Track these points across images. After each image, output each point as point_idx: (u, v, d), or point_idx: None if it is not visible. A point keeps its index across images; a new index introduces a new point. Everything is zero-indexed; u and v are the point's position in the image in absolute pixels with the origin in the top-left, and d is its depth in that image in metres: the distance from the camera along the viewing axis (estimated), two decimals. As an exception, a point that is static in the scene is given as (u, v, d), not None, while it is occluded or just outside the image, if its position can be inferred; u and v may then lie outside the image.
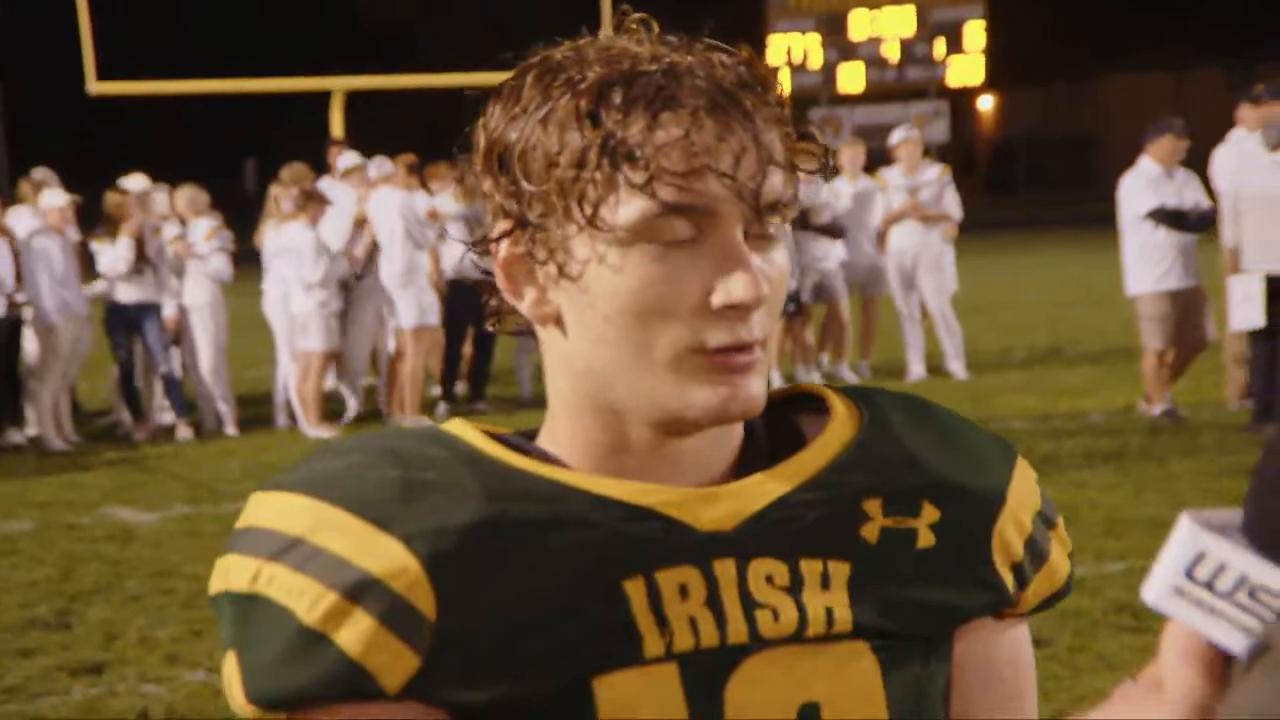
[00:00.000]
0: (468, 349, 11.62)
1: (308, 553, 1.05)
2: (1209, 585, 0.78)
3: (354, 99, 17.04)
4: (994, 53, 35.56)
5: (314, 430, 10.69)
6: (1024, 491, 1.20)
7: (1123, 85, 49.97)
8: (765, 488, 1.12)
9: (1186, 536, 0.79)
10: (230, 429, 11.06)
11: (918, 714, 1.14)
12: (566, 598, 1.05)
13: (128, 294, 10.71)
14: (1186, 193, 9.28)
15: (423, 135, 16.33)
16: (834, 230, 11.74)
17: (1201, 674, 0.78)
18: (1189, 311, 9.44)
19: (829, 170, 1.14)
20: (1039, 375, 12.02)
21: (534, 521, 1.06)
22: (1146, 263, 9.35)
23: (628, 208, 1.06)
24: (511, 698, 1.04)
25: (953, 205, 11.96)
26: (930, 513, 1.15)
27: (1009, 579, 1.18)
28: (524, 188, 1.09)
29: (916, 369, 11.98)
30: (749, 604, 1.08)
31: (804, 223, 11.39)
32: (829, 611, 1.10)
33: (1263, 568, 0.77)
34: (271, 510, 1.08)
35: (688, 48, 1.10)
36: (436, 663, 1.03)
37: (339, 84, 16.93)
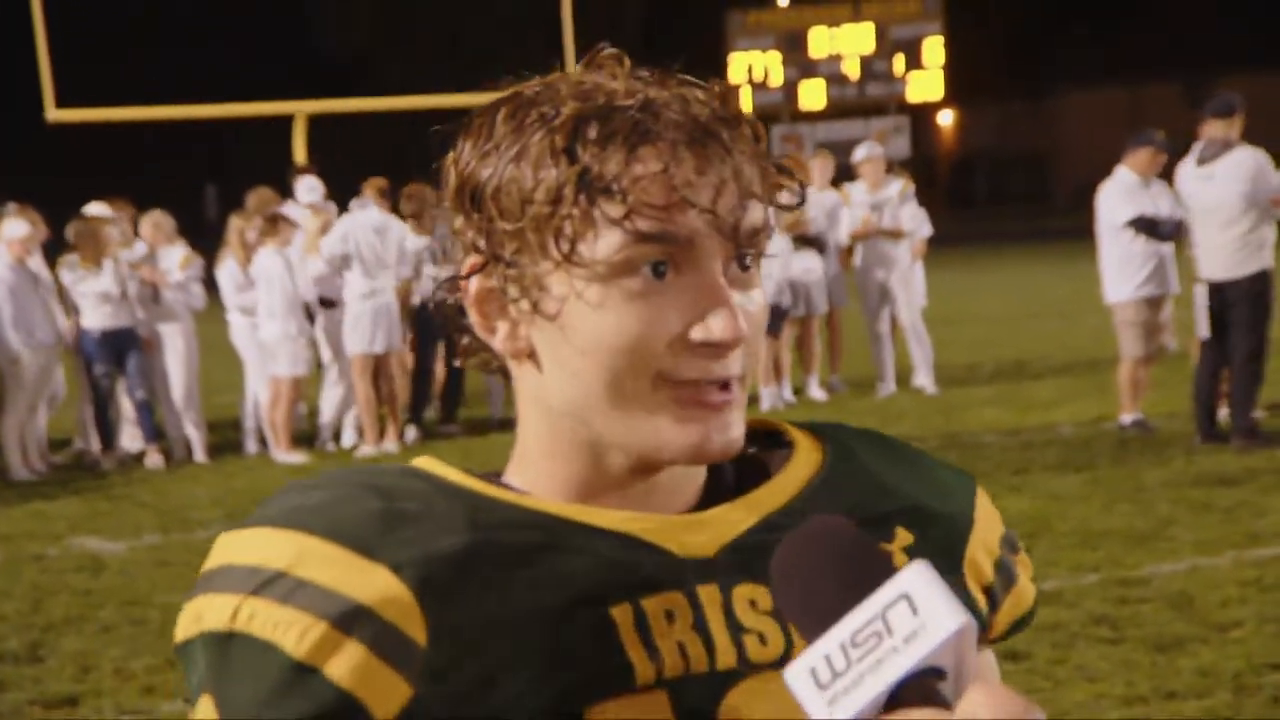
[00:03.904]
0: (439, 370, 11.58)
1: (292, 585, 1.02)
2: (837, 675, 0.89)
3: (316, 123, 16.99)
4: (953, 68, 35.82)
5: (285, 456, 10.63)
6: (989, 517, 1.21)
7: (1079, 101, 50.41)
8: (744, 514, 1.11)
9: (793, 677, 0.90)
10: (200, 456, 10.98)
11: None
12: (554, 625, 1.03)
13: (109, 320, 10.63)
14: (1161, 202, 9.41)
15: (386, 158, 16.31)
16: (818, 243, 11.78)
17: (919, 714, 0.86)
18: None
19: (803, 202, 1.14)
20: (1007, 388, 12.07)
21: (520, 549, 1.05)
22: (1125, 271, 9.48)
23: (606, 242, 1.05)
24: None
25: (921, 221, 12.01)
26: (904, 536, 1.15)
27: (982, 600, 1.19)
28: (497, 225, 1.08)
29: (887, 385, 12.01)
30: (735, 629, 1.08)
31: (794, 236, 11.43)
32: None
33: (840, 628, 0.89)
34: (246, 546, 1.06)
35: (661, 82, 1.09)
36: (428, 692, 1.01)
37: (301, 108, 16.88)
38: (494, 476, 1.15)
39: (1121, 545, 6.72)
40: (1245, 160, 8.88)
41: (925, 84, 35.17)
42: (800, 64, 34.94)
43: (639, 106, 1.06)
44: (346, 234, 10.67)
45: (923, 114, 43.09)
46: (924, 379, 12.02)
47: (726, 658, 1.07)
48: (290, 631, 1.01)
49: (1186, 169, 9.07)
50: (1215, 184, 8.87)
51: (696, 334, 1.05)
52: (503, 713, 1.02)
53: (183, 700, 5.54)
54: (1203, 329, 8.92)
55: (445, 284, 1.14)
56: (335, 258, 10.64)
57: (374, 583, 1.02)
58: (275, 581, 1.03)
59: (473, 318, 1.12)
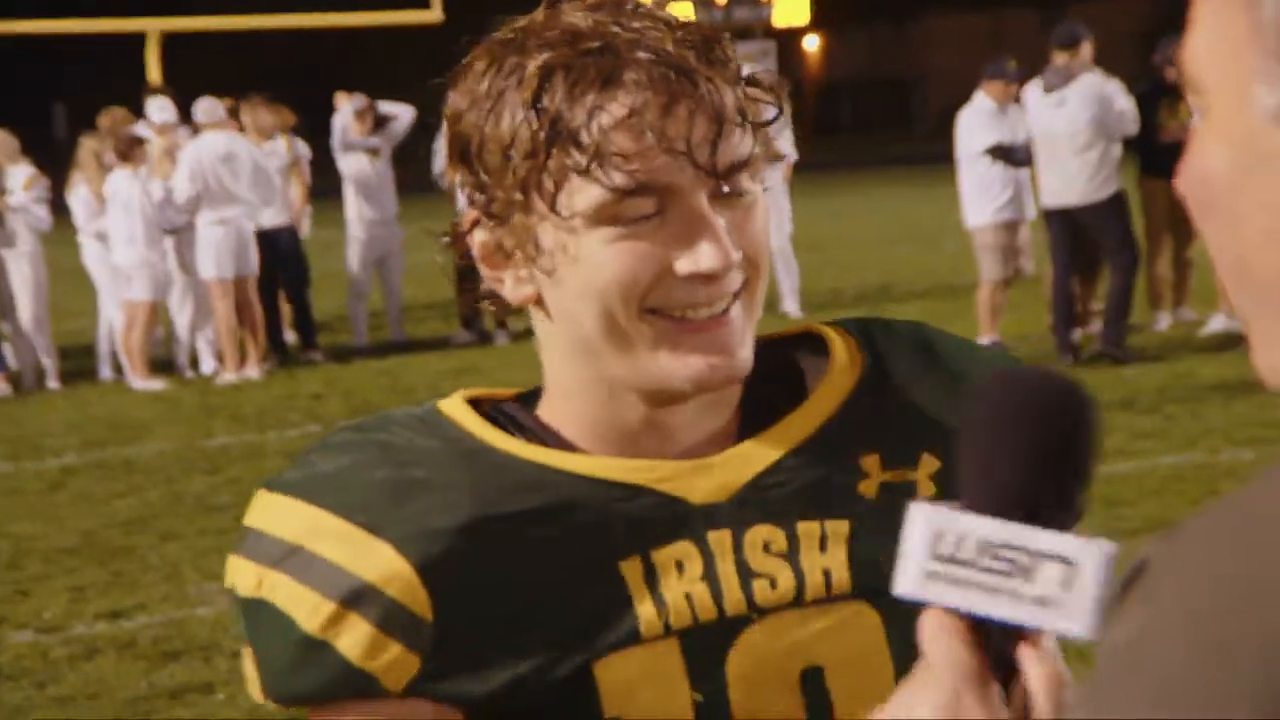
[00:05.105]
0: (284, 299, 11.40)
1: (306, 560, 1.07)
2: (953, 559, 0.81)
3: (171, 41, 16.53)
4: (819, -7, 35.89)
5: (141, 383, 10.43)
6: None
7: (942, 27, 50.93)
8: (759, 454, 1.12)
9: (921, 519, 0.83)
10: (53, 382, 10.73)
11: None
12: (562, 586, 1.07)
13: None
14: (1019, 129, 9.64)
15: (243, 78, 15.94)
16: None
17: (964, 644, 0.82)
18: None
19: (783, 113, 1.13)
20: (870, 312, 12.14)
21: (526, 514, 1.07)
22: (983, 196, 9.70)
23: (584, 195, 1.05)
24: (515, 689, 1.06)
25: (788, 145, 12.08)
26: (929, 463, 1.15)
27: None
28: (485, 181, 1.09)
29: (750, 309, 12.13)
30: (746, 574, 1.09)
31: None
32: (826, 574, 1.11)
33: (997, 526, 0.81)
34: (270, 514, 1.10)
35: (632, 14, 1.08)
36: (437, 662, 1.06)
37: (153, 25, 16.41)
38: (525, 410, 1.16)
39: (976, 465, 6.89)
40: (1093, 86, 9.11)
41: (791, 8, 35.23)
42: (667, -14, 34.75)
43: (604, 48, 1.06)
44: (194, 171, 10.40)
45: (789, 39, 43.19)
46: (790, 304, 12.16)
47: (734, 604, 1.09)
48: (302, 607, 1.06)
49: (1034, 96, 9.26)
50: (1066, 111, 9.08)
51: (684, 266, 1.06)
52: (512, 675, 1.06)
53: (31, 630, 5.46)
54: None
55: (450, 237, 1.15)
56: (190, 200, 10.39)
57: (379, 560, 1.06)
58: (292, 555, 1.07)
59: (481, 270, 1.13)
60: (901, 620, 1.11)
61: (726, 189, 1.07)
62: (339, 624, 1.05)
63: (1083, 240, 9.26)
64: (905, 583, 0.83)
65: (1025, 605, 0.80)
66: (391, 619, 1.05)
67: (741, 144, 1.08)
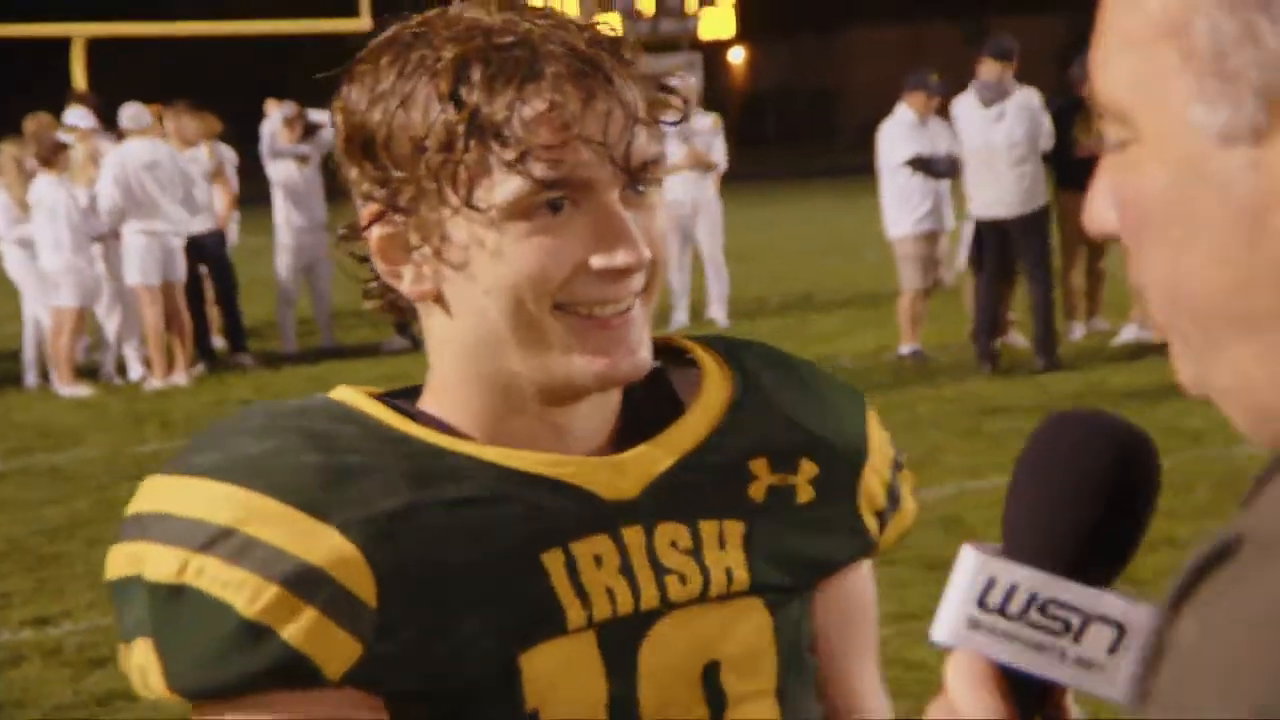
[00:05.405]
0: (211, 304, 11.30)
1: (241, 544, 1.02)
2: (1002, 611, 0.77)
3: (99, 46, 16.34)
4: (744, 6, 36.08)
5: (68, 389, 10.29)
6: (880, 441, 1.25)
7: (864, 39, 51.34)
8: (661, 453, 1.13)
9: (975, 566, 0.78)
10: (-25, 390, 10.57)
11: (799, 661, 1.18)
12: (492, 576, 1.06)
13: None
14: (939, 141, 9.75)
15: (172, 84, 15.78)
16: None
17: (998, 697, 0.78)
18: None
19: (687, 119, 1.14)
20: (794, 321, 12.35)
21: (456, 501, 1.06)
22: (904, 207, 9.82)
23: (504, 187, 1.05)
24: (445, 679, 1.05)
25: (720, 154, 12.14)
26: (808, 468, 1.18)
27: (874, 525, 1.23)
28: (392, 174, 1.07)
29: (680, 315, 12.18)
30: (659, 569, 1.11)
31: None
32: (728, 572, 1.13)
33: (1050, 582, 0.77)
34: (188, 497, 1.05)
35: (539, 14, 1.08)
36: (377, 648, 1.03)
37: (78, 30, 16.21)
38: (411, 405, 1.14)
39: (898, 470, 6.97)
40: (1028, 101, 9.31)
41: (717, 21, 35.39)
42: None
43: (519, 43, 1.05)
44: (118, 178, 10.26)
45: (714, 52, 43.36)
46: (717, 311, 12.22)
47: (649, 598, 1.10)
48: (242, 592, 1.01)
49: (969, 109, 9.35)
50: (1004, 125, 9.21)
51: (598, 262, 1.06)
52: (447, 663, 1.04)
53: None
54: (962, 262, 9.31)
55: (346, 232, 1.13)
56: (115, 207, 10.25)
57: (324, 544, 1.02)
58: (224, 539, 1.02)
59: (377, 265, 1.11)
60: (785, 619, 1.16)
61: (639, 187, 1.08)
62: (283, 609, 1.01)
63: (1006, 251, 9.38)
64: (944, 631, 0.78)
65: (1068, 666, 0.77)
66: (338, 604, 1.02)
67: (651, 143, 1.09)
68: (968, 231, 9.40)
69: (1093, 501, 0.77)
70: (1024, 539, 0.78)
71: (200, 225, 10.92)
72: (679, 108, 1.12)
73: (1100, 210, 0.73)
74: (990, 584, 0.77)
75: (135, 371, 10.88)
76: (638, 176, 1.08)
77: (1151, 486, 0.78)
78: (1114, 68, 0.70)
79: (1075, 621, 0.77)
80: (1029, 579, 0.77)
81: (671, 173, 11.93)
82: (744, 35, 39.76)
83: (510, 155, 1.04)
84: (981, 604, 0.77)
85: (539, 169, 1.04)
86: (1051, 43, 37.56)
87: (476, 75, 1.04)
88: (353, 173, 1.10)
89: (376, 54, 1.08)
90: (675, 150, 11.94)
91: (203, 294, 11.13)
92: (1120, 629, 0.76)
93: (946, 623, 0.78)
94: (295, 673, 1.02)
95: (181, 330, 10.64)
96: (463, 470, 1.08)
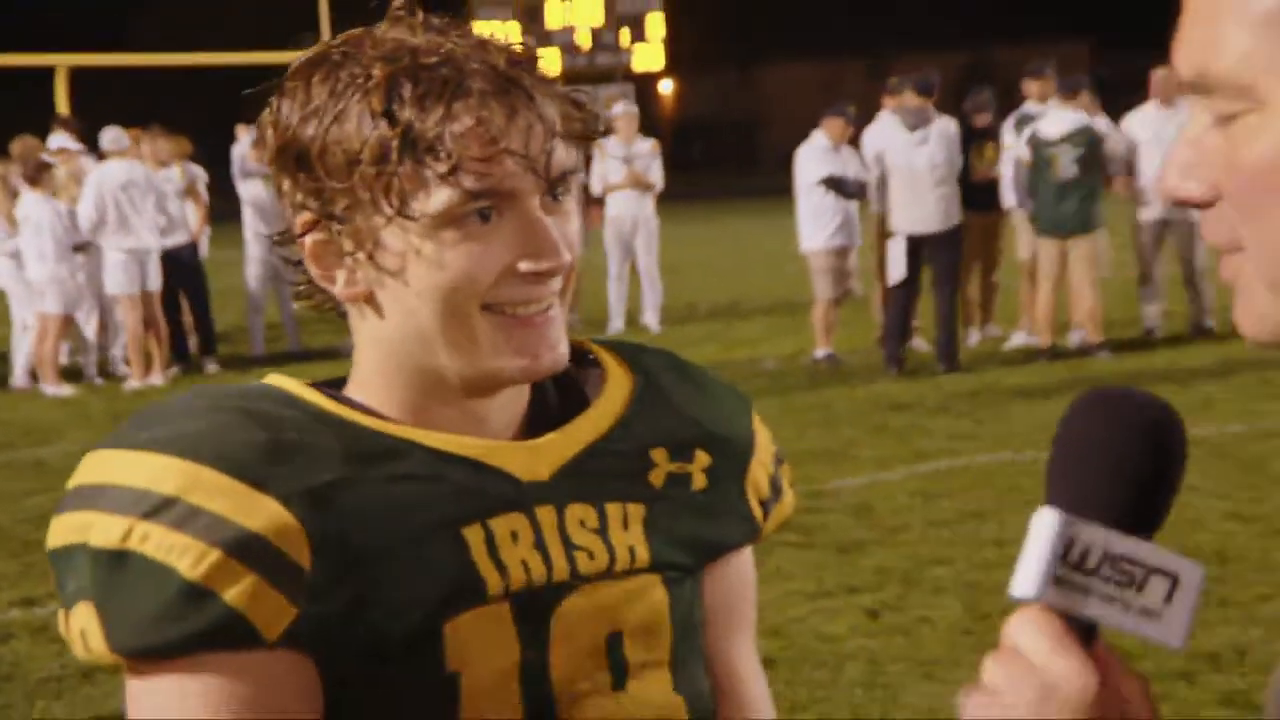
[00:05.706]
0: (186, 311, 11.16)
1: (184, 512, 1.00)
2: (1080, 567, 0.78)
3: (79, 76, 16.10)
4: (673, 41, 36.17)
5: (54, 389, 10.14)
6: (765, 438, 1.26)
7: (782, 74, 51.64)
8: (571, 441, 1.14)
9: (1059, 525, 0.78)
10: (-35, 390, 10.38)
11: (690, 638, 1.18)
12: (417, 547, 1.05)
13: None
14: (850, 165, 9.84)
15: (145, 110, 15.57)
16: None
17: (1077, 653, 0.77)
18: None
19: (606, 132, 1.15)
20: (720, 327, 12.39)
21: (385, 478, 1.06)
22: (817, 223, 9.88)
23: (435, 198, 1.04)
24: (373, 644, 1.03)
25: (658, 176, 12.15)
26: (702, 458, 1.19)
27: (759, 513, 1.24)
28: (326, 184, 1.05)
29: (616, 322, 12.18)
30: (569, 546, 1.11)
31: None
32: (631, 550, 1.13)
33: (1119, 539, 0.78)
34: (131, 468, 1.03)
35: (459, 33, 1.07)
36: (311, 612, 1.01)
37: (62, 60, 15.97)
38: (339, 393, 1.13)
39: (812, 462, 7.01)
40: (949, 129, 9.43)
41: (648, 55, 35.44)
42: (537, 34, 34.69)
43: (444, 62, 1.04)
44: (97, 196, 10.12)
45: (646, 83, 43.41)
46: (650, 318, 12.24)
47: (560, 572, 1.10)
48: (185, 556, 0.99)
49: (893, 134, 9.40)
50: (927, 149, 9.31)
51: (525, 266, 1.06)
52: (376, 630, 1.03)
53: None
54: (898, 273, 9.34)
55: (280, 240, 1.12)
56: (93, 224, 10.12)
57: (264, 512, 1.01)
58: (167, 507, 1.00)
59: (311, 270, 1.10)
60: (680, 596, 1.16)
61: (557, 195, 1.08)
62: (224, 573, 0.99)
63: (916, 265, 9.44)
64: (1030, 586, 0.77)
65: (1133, 615, 0.78)
66: (276, 569, 1.00)
67: (568, 155, 1.08)
68: (895, 248, 9.40)
69: (1147, 462, 0.79)
70: (1090, 500, 0.79)
71: (175, 239, 10.81)
72: (590, 122, 1.12)
73: (1177, 180, 0.73)
74: (1071, 542, 0.78)
75: (123, 371, 10.75)
76: (556, 186, 1.08)
77: (1183, 450, 0.80)
78: (1230, 45, 0.70)
79: (1139, 574, 0.78)
80: (1103, 537, 0.78)
81: (614, 190, 11.95)
82: (673, 69, 39.85)
83: (443, 168, 1.03)
84: (1065, 562, 0.78)
85: (469, 180, 1.04)
86: (949, 76, 37.92)
87: (408, 93, 1.03)
88: (285, 183, 1.08)
89: (306, 71, 1.07)
90: (617, 172, 11.96)
91: (178, 302, 11.01)
92: (1174, 579, 0.78)
93: (1032, 578, 0.78)
94: (234, 634, 1.00)
95: (158, 335, 10.52)
96: (396, 450, 1.07)
